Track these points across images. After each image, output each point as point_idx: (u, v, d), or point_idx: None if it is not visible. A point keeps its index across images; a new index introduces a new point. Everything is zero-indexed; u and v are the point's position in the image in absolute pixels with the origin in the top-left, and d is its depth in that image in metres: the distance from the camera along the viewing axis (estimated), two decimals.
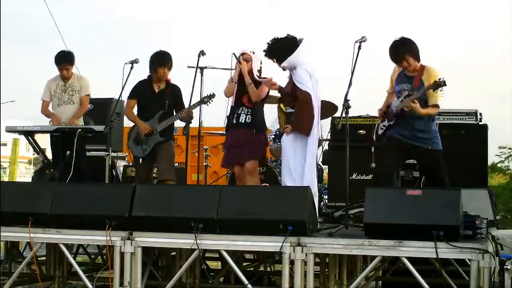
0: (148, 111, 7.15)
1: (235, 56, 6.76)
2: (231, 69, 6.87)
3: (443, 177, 6.24)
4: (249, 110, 6.70)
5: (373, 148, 7.57)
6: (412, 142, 6.19)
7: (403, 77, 6.29)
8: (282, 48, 6.31)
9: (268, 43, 6.41)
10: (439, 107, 6.17)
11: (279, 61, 6.33)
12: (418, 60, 6.21)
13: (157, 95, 7.15)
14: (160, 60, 7.09)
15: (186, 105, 6.98)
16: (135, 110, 7.27)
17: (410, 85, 6.18)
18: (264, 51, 6.42)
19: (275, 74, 6.66)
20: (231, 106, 6.79)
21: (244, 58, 6.75)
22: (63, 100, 7.61)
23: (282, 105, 6.29)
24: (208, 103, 6.97)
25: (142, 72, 7.25)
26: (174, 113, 7.10)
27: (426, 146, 6.18)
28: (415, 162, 6.81)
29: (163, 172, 7.07)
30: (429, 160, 6.26)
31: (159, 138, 7.08)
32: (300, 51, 6.25)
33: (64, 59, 7.62)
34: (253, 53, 6.77)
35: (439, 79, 5.90)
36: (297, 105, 6.29)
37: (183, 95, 7.23)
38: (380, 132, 6.50)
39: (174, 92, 7.19)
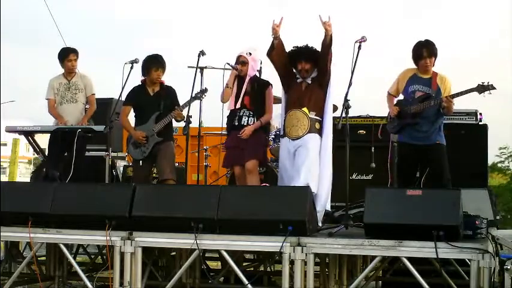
0: (145, 114, 7.15)
1: (229, 64, 6.72)
2: (231, 69, 6.83)
3: (447, 172, 6.42)
4: (251, 113, 6.68)
5: (373, 148, 7.58)
6: (425, 142, 6.44)
7: (417, 79, 6.55)
8: None
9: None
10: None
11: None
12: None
13: (152, 98, 7.15)
14: (154, 63, 7.09)
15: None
16: (131, 116, 7.27)
17: (425, 87, 6.46)
18: (315, 51, 6.34)
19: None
20: (231, 110, 6.76)
21: (240, 61, 6.71)
22: (66, 98, 7.60)
23: (306, 109, 6.25)
24: (201, 98, 6.95)
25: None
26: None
27: (435, 140, 6.46)
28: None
29: (163, 172, 7.05)
30: (437, 154, 6.43)
31: (157, 139, 7.07)
32: None
33: (70, 50, 7.63)
34: (250, 54, 6.69)
35: (487, 82, 6.26)
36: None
37: (182, 95, 7.24)
38: (392, 130, 6.77)
39: (169, 93, 7.18)
